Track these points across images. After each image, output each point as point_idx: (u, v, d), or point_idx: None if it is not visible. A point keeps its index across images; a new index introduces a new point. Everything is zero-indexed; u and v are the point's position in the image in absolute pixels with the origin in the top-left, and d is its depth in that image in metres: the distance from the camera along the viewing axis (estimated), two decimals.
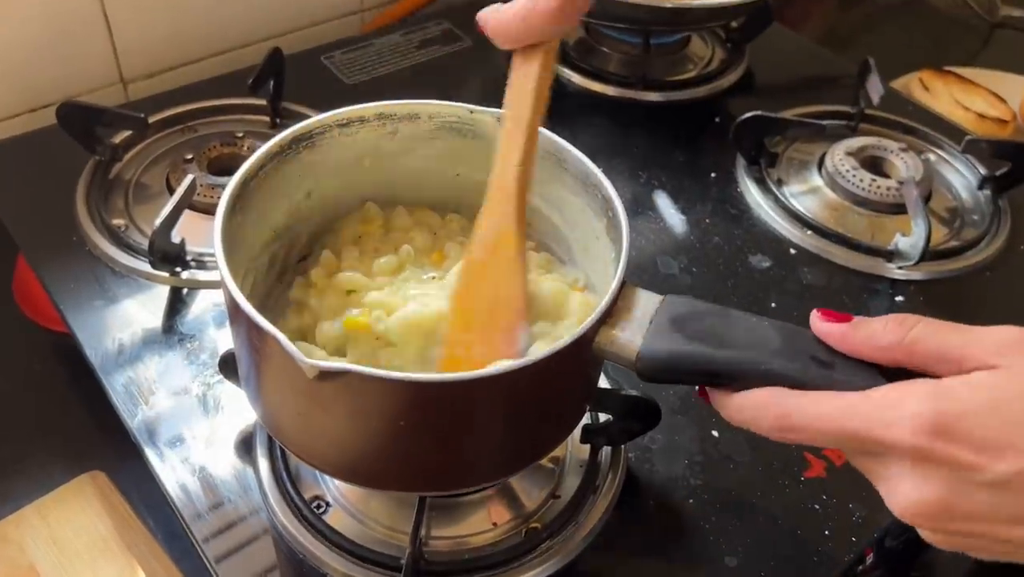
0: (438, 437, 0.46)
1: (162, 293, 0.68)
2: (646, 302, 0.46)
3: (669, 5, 0.85)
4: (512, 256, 0.49)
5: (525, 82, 0.48)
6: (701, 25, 0.97)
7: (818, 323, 0.40)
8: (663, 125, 0.91)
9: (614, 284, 0.46)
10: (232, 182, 0.48)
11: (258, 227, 0.53)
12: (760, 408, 0.40)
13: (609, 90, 0.93)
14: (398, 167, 0.58)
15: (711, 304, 0.45)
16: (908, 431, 0.34)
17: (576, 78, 0.94)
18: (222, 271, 0.44)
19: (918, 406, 0.35)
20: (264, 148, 0.51)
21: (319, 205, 0.57)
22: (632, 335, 0.45)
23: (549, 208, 0.57)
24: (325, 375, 0.41)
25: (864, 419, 0.36)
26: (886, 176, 0.83)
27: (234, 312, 0.45)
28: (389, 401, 0.43)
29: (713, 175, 0.85)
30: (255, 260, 0.53)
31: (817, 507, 0.58)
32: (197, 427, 0.60)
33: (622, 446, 0.60)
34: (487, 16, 0.48)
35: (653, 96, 0.93)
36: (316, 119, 0.54)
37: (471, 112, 0.55)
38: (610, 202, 0.51)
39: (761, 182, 0.83)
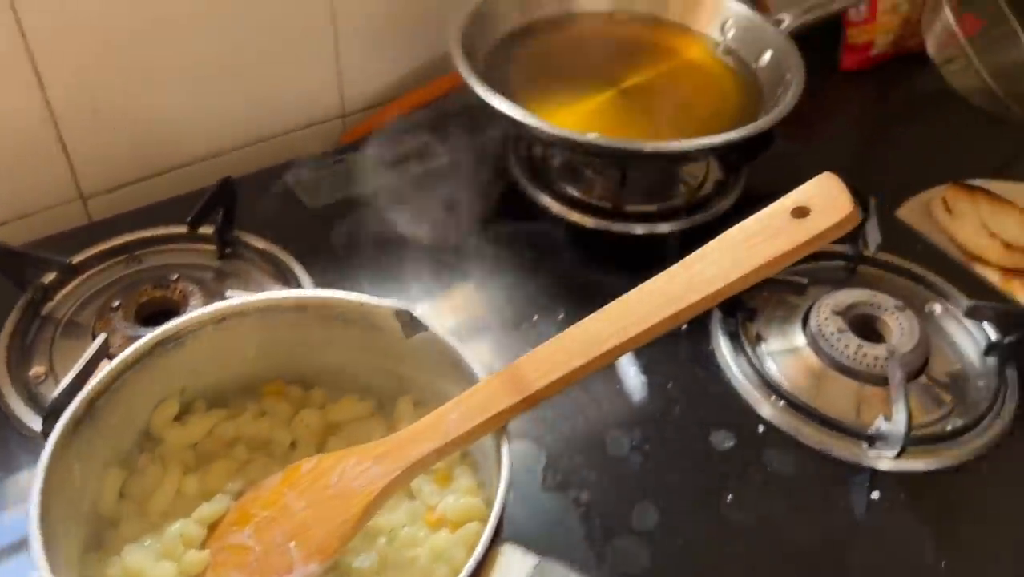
0: None
1: None
2: (516, 570, 0.40)
3: (648, 149, 0.78)
4: (358, 513, 0.44)
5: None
6: (680, 164, 0.91)
7: None
8: (637, 261, 0.84)
9: (478, 549, 0.40)
10: (60, 424, 0.43)
11: (112, 440, 0.49)
12: None
13: (587, 220, 0.87)
14: (288, 356, 0.54)
15: None
16: None
17: (555, 206, 0.87)
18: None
19: None
20: (112, 364, 0.46)
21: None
22: None
23: None
24: None
25: None
26: (879, 338, 0.75)
27: None
28: None
29: (685, 327, 0.78)
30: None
31: None
32: None
33: None
34: None
35: (635, 227, 0.86)
36: (186, 318, 0.50)
37: (361, 304, 0.52)
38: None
39: (735, 338, 0.76)
